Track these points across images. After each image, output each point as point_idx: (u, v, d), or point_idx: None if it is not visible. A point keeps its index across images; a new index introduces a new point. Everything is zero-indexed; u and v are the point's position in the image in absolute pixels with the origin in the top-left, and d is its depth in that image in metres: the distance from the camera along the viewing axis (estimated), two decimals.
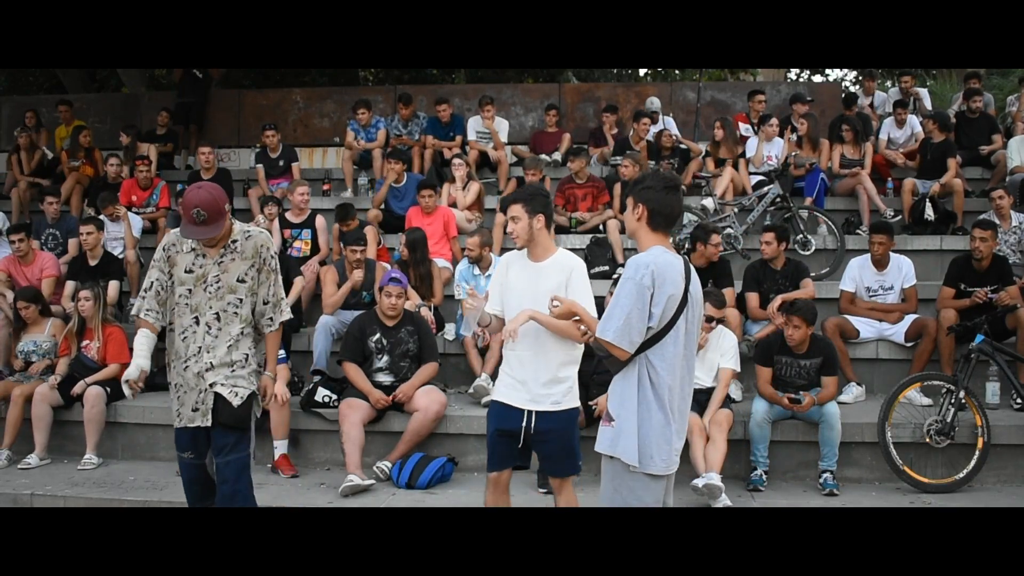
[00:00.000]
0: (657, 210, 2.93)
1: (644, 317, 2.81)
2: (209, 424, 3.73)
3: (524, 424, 3.64)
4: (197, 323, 3.72)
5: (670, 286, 2.84)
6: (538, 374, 3.61)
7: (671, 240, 3.09)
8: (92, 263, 6.82)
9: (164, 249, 3.76)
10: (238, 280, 3.76)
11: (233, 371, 3.74)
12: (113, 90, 14.60)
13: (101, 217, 7.48)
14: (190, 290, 3.73)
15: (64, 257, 7.36)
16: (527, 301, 3.56)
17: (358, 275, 6.25)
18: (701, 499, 4.67)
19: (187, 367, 3.72)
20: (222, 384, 3.71)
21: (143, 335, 3.78)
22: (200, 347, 3.71)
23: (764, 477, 5.04)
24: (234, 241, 3.79)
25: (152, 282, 3.76)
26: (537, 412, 3.63)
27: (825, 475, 4.97)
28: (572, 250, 7.20)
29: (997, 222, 6.69)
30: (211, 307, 3.73)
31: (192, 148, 10.01)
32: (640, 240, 2.99)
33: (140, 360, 3.76)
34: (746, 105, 9.65)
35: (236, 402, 3.71)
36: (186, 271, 3.72)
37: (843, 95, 10.23)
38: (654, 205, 2.94)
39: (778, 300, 5.98)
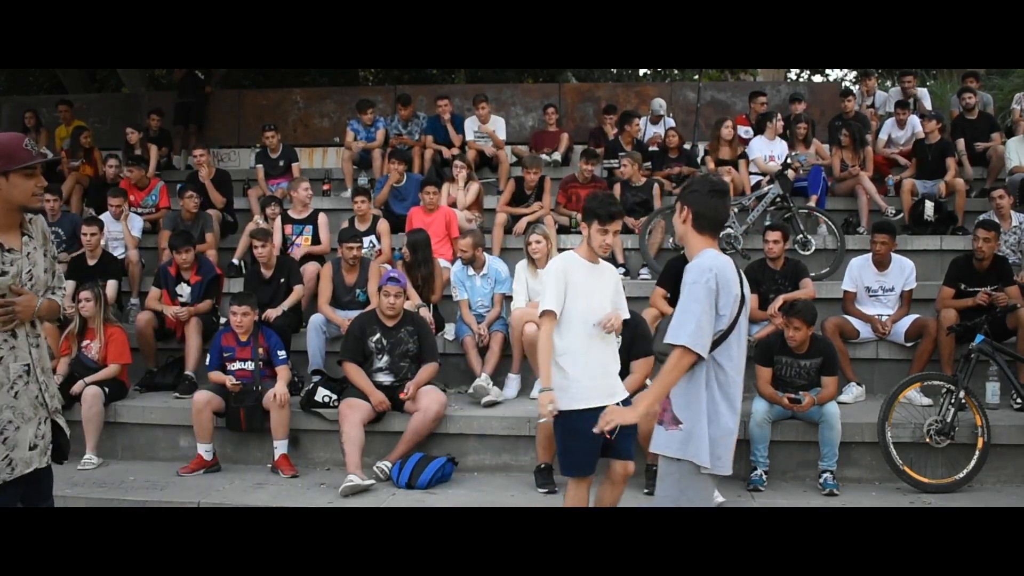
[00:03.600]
0: (701, 213, 2.97)
1: (713, 320, 2.84)
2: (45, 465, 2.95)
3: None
4: (15, 336, 2.88)
5: (733, 286, 2.89)
6: (611, 367, 3.86)
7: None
8: (91, 263, 6.83)
9: None
10: (44, 272, 2.99)
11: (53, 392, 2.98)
12: (113, 90, 14.62)
13: (102, 216, 7.49)
14: (3, 295, 2.85)
15: (63, 256, 7.36)
16: (602, 299, 3.85)
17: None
18: None
19: (19, 391, 2.85)
20: (57, 411, 2.99)
21: None
22: (27, 365, 2.89)
23: (764, 477, 5.04)
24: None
25: None
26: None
27: (825, 475, 4.97)
28: (572, 250, 7.33)
29: (997, 222, 6.69)
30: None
31: (192, 148, 10.01)
32: (689, 244, 3.02)
33: None
34: (746, 105, 9.65)
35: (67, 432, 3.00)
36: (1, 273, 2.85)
37: (840, 90, 10.22)
38: (699, 208, 2.97)
39: (779, 301, 5.98)
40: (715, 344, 2.87)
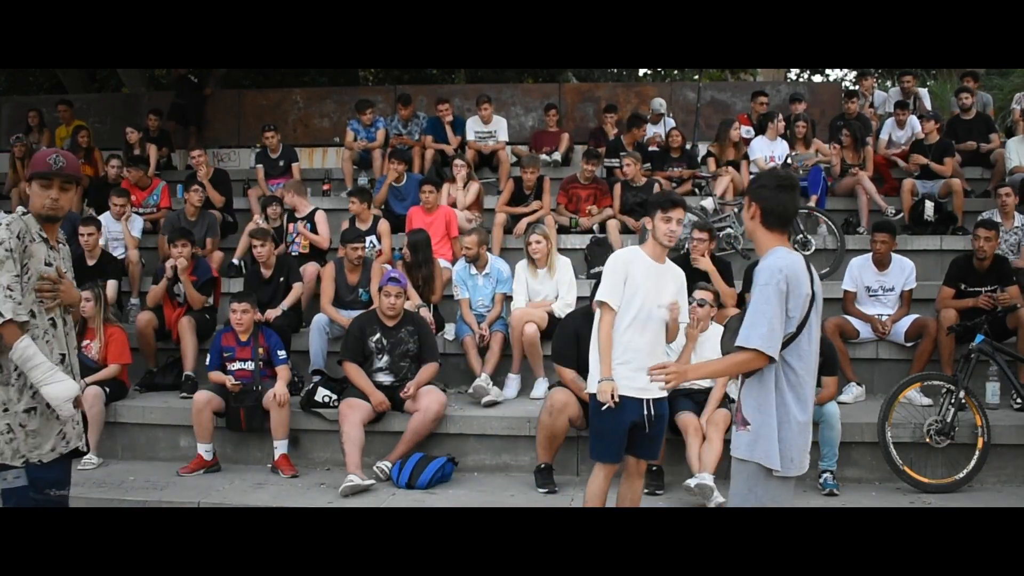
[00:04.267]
0: (770, 209, 2.94)
1: (783, 322, 2.82)
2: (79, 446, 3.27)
3: (646, 413, 3.88)
4: (56, 324, 3.23)
5: (803, 286, 2.85)
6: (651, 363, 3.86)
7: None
8: (90, 263, 6.82)
9: (19, 238, 3.11)
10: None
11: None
12: (113, 90, 14.60)
13: (101, 216, 7.49)
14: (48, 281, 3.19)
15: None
16: (659, 298, 3.91)
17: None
18: (694, 499, 4.67)
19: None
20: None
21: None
22: (63, 355, 3.22)
23: None
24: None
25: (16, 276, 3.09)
26: (654, 400, 3.91)
27: (825, 475, 4.97)
28: (572, 250, 7.35)
29: (1000, 220, 6.70)
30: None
31: (190, 149, 9.99)
32: (758, 241, 2.99)
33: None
34: (746, 105, 9.65)
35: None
36: (45, 263, 3.18)
37: (843, 92, 10.22)
38: (767, 204, 2.93)
39: None
40: (785, 344, 2.84)
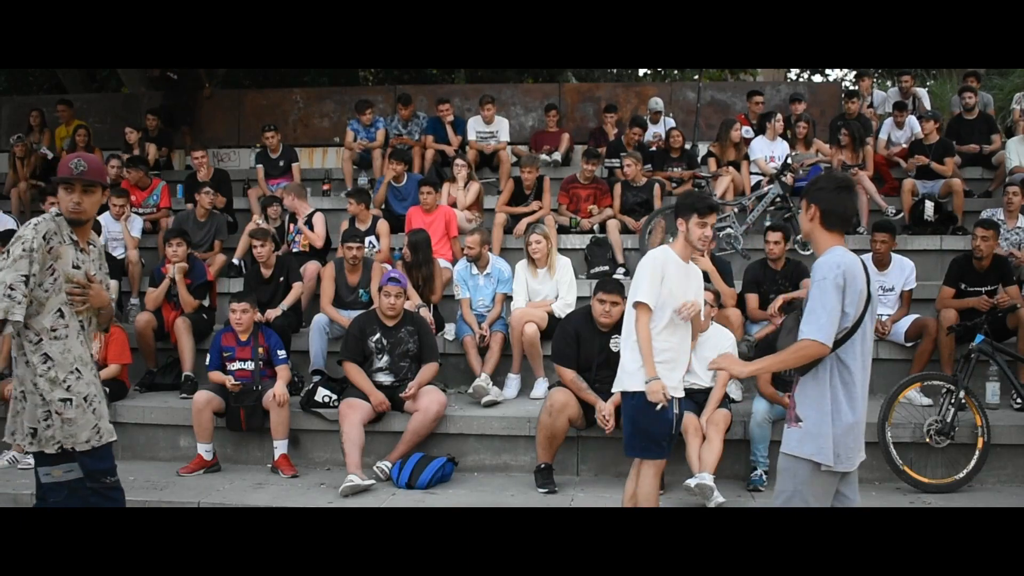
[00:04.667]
0: (830, 210, 2.99)
1: (839, 316, 2.87)
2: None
3: (676, 412, 3.99)
4: (84, 326, 3.39)
5: (859, 283, 2.91)
6: (685, 359, 4.08)
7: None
8: None
9: (45, 239, 3.21)
10: (99, 283, 3.46)
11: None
12: (113, 90, 14.59)
13: (101, 216, 7.49)
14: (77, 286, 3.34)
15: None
16: (686, 296, 3.96)
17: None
18: (695, 499, 4.67)
19: (87, 375, 3.32)
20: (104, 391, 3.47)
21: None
22: (93, 353, 3.42)
23: (764, 477, 5.04)
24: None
25: (26, 276, 3.17)
26: (681, 399, 4.07)
27: None
28: (572, 250, 7.35)
29: (1003, 219, 6.69)
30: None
31: (187, 149, 9.98)
32: (817, 241, 3.03)
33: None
34: (746, 105, 9.66)
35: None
36: (73, 266, 3.31)
37: (843, 92, 10.22)
38: (826, 205, 2.99)
39: (779, 300, 5.97)
40: (839, 342, 2.89)
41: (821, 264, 2.92)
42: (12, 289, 3.09)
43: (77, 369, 3.27)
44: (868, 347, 2.98)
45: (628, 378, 3.94)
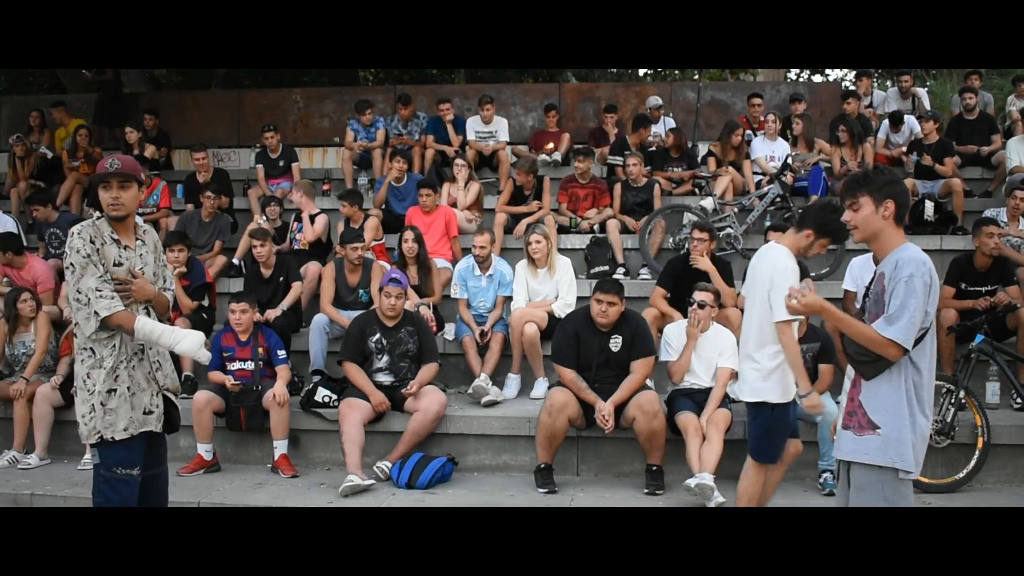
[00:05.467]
0: (903, 203, 2.87)
1: (923, 317, 2.75)
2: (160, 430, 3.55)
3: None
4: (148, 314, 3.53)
5: (938, 282, 2.80)
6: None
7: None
8: None
9: (91, 242, 3.37)
10: (153, 275, 3.61)
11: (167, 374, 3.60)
12: None
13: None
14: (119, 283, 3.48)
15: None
16: None
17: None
18: (695, 499, 4.67)
19: (135, 366, 3.46)
20: (167, 389, 3.58)
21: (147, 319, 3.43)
22: (141, 346, 3.48)
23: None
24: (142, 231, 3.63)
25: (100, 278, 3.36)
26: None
27: (825, 475, 4.96)
28: (572, 250, 7.35)
29: (1005, 220, 6.69)
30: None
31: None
32: (887, 238, 2.86)
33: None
34: (746, 106, 9.66)
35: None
36: (115, 264, 3.45)
37: (842, 92, 10.23)
38: (902, 199, 2.86)
39: None
40: (915, 344, 2.76)
41: (908, 261, 2.75)
42: (99, 290, 3.30)
43: (124, 361, 3.42)
44: (934, 348, 2.86)
45: (766, 390, 3.96)
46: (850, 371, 2.97)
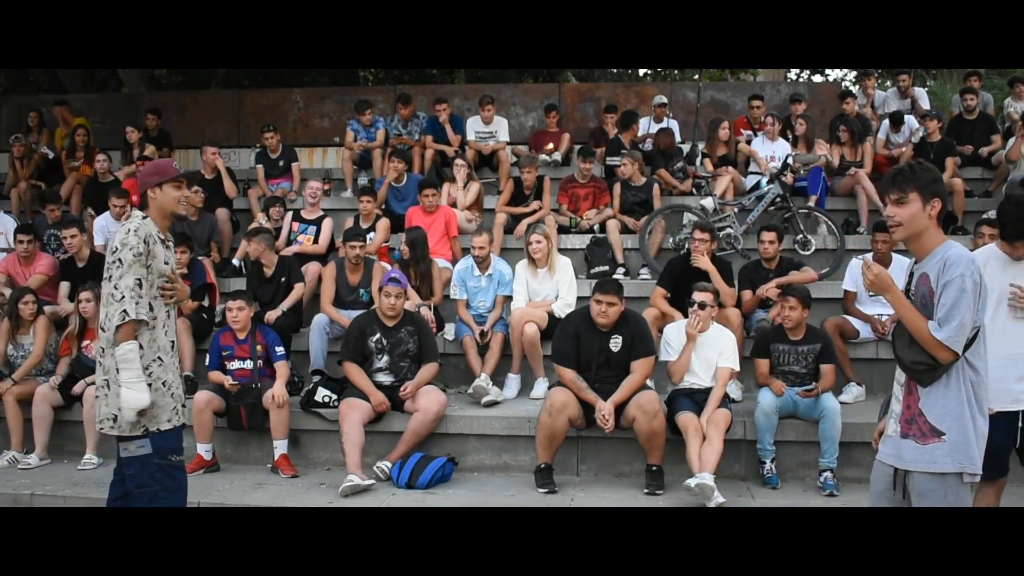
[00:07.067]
0: (946, 203, 2.83)
1: (974, 316, 2.68)
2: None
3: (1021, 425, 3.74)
4: (168, 316, 3.66)
5: (986, 282, 2.75)
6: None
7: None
8: (80, 264, 6.79)
9: (145, 242, 3.54)
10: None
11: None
12: (113, 90, 14.60)
13: (101, 216, 7.50)
14: (167, 281, 3.65)
15: (61, 257, 7.38)
16: None
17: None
18: (695, 499, 4.67)
19: (167, 362, 3.62)
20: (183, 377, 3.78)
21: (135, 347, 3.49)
22: (173, 341, 3.68)
23: (774, 468, 5.05)
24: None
25: (139, 279, 3.51)
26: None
27: (825, 474, 4.97)
28: (572, 250, 7.35)
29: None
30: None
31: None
32: (930, 237, 2.77)
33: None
34: (746, 106, 9.67)
35: None
36: (164, 263, 3.62)
37: (840, 92, 10.24)
38: (945, 198, 2.80)
39: (773, 282, 6.08)
40: (968, 344, 2.70)
41: (956, 259, 2.67)
42: (134, 291, 3.45)
43: (159, 357, 3.56)
44: (986, 346, 2.78)
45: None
46: (901, 377, 2.87)
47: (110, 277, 3.48)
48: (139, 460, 3.51)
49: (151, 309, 3.53)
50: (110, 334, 3.47)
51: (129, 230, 3.51)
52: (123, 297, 3.43)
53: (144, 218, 3.60)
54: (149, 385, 3.49)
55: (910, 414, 2.79)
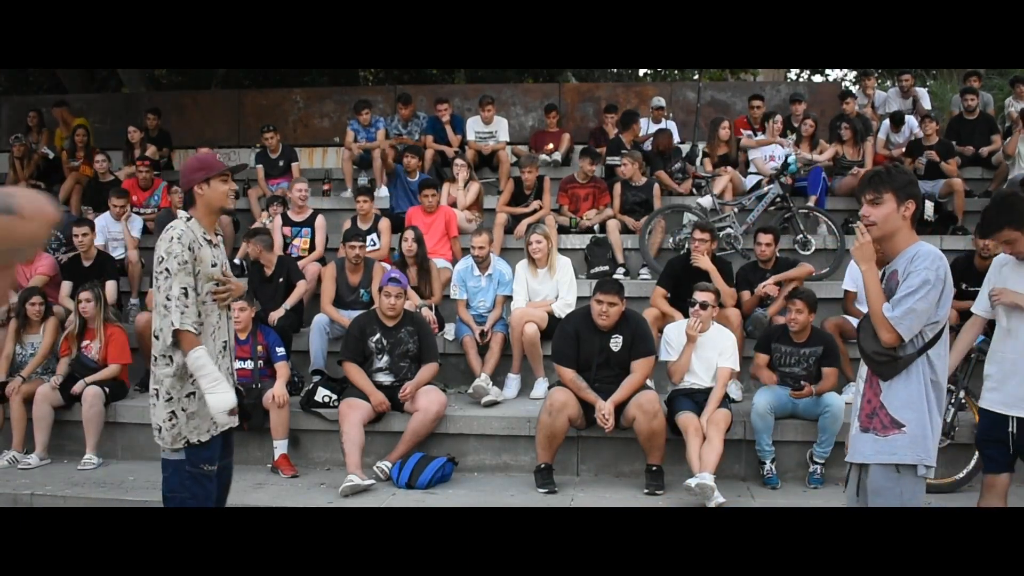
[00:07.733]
0: (921, 206, 2.88)
1: (928, 310, 2.74)
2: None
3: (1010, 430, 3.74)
4: (219, 318, 3.54)
5: (952, 282, 2.82)
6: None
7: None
8: (86, 264, 6.81)
9: (190, 249, 3.40)
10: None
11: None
12: (113, 90, 14.60)
13: (101, 216, 7.50)
14: (217, 283, 3.53)
15: (62, 257, 7.38)
16: None
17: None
18: (695, 499, 4.67)
19: (218, 366, 3.47)
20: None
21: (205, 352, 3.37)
22: (225, 342, 3.56)
23: (774, 469, 5.05)
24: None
25: (185, 288, 3.37)
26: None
27: (817, 467, 5.02)
28: (572, 250, 7.35)
29: None
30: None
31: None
32: (902, 238, 2.85)
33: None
34: (747, 106, 9.68)
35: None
36: (212, 265, 3.48)
37: (840, 92, 10.25)
38: (920, 201, 2.87)
39: (772, 279, 6.09)
40: (931, 342, 2.77)
41: (924, 254, 2.77)
42: (180, 299, 3.32)
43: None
44: (947, 349, 2.85)
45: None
46: (863, 372, 2.93)
47: (159, 288, 3.38)
48: (172, 464, 3.46)
49: (199, 316, 3.39)
50: (162, 344, 3.38)
51: (173, 238, 3.36)
52: (173, 307, 3.33)
53: (188, 220, 3.45)
54: (193, 394, 3.39)
55: (871, 408, 2.85)
